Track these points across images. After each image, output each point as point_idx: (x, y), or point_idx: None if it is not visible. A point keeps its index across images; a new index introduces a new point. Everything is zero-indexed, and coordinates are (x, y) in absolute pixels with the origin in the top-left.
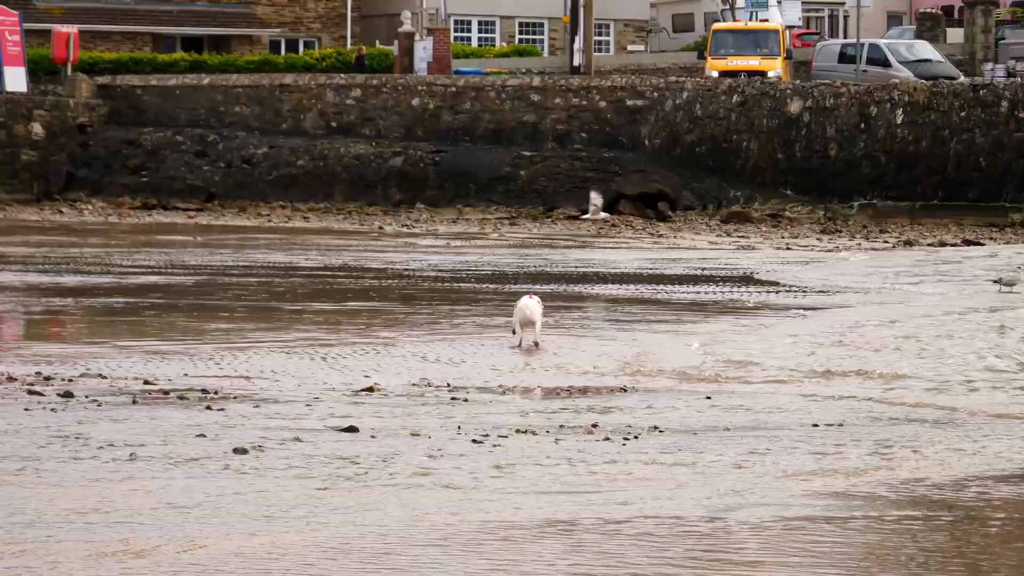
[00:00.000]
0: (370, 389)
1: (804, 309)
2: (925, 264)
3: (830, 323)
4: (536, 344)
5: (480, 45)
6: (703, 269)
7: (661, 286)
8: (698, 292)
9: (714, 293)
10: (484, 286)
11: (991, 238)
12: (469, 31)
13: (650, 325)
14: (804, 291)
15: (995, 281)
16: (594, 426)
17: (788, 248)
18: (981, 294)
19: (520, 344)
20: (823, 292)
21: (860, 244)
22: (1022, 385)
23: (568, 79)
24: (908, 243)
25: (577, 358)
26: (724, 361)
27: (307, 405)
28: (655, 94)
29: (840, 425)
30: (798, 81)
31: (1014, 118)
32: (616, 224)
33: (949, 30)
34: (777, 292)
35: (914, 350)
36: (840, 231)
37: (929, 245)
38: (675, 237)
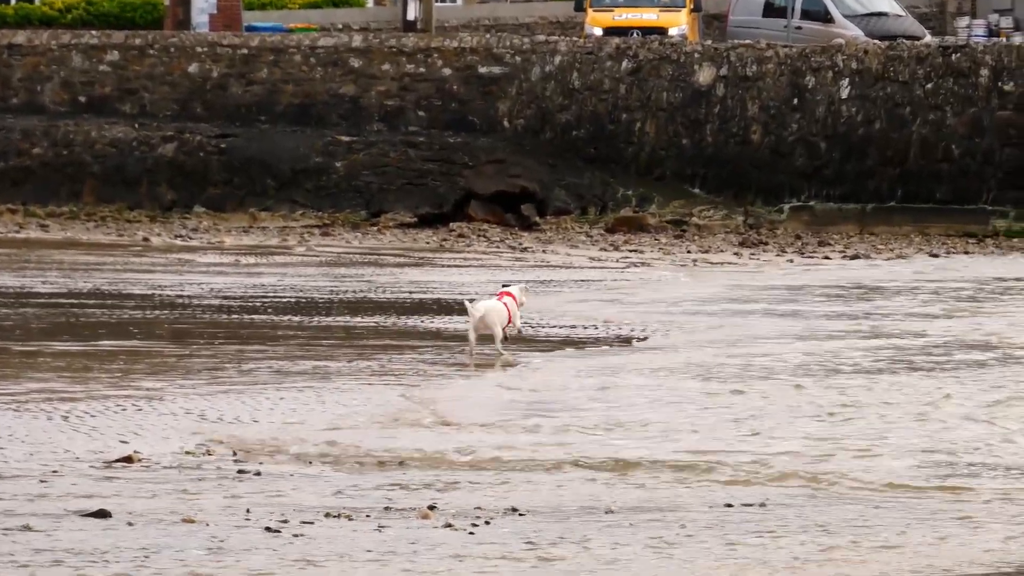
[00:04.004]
0: (128, 459)
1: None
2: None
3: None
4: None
5: None
6: (583, 299)
7: (530, 317)
8: (581, 327)
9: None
10: (285, 319)
11: (967, 252)
12: None
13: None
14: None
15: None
16: (431, 508)
17: (695, 264)
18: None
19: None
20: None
21: (792, 260)
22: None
23: (401, 39)
24: (855, 258)
25: (437, 410)
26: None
27: (42, 481)
28: (517, 59)
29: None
30: (709, 41)
31: (997, 91)
32: (465, 234)
33: None
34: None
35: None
36: (766, 243)
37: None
38: (544, 252)
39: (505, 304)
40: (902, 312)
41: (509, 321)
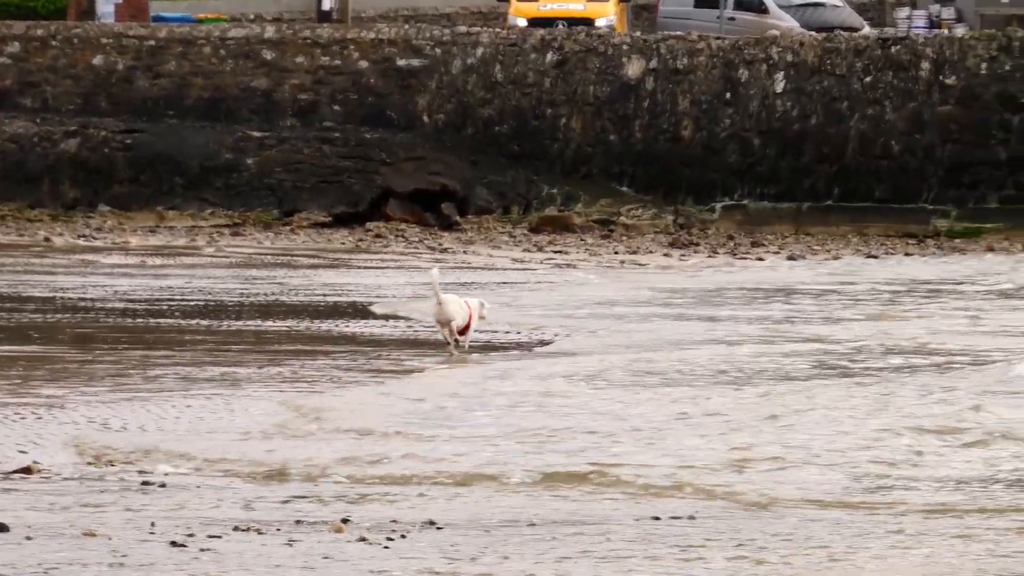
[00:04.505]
0: (27, 470)
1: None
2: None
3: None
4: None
5: None
6: (511, 301)
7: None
8: (488, 331)
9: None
10: (193, 323)
11: (907, 253)
12: None
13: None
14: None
15: None
16: (344, 521)
17: (623, 265)
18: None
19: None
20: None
21: (730, 263)
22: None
23: (315, 30)
24: (792, 259)
25: (339, 419)
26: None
27: None
28: (437, 51)
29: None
30: (639, 33)
31: (939, 85)
32: (382, 235)
33: None
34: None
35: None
36: (697, 243)
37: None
38: (465, 253)
39: (469, 307)
40: (820, 315)
41: (468, 327)
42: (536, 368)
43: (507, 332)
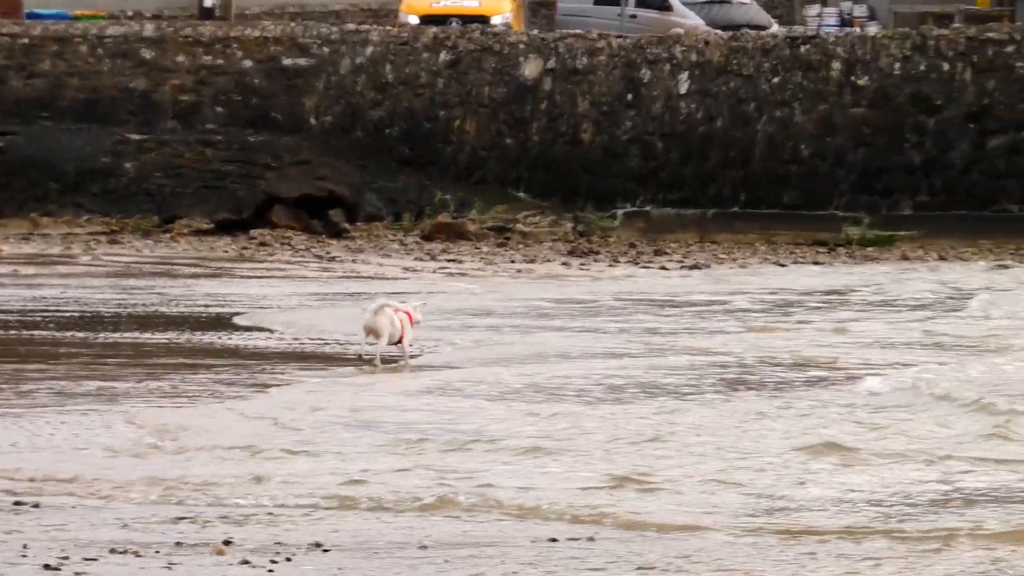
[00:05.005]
0: None
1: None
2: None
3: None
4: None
5: None
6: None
7: (328, 332)
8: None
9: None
10: (68, 335)
11: (816, 262)
12: None
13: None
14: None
15: None
16: (226, 543)
17: (519, 273)
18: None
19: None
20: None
21: (632, 272)
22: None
23: (197, 27)
24: (695, 268)
25: (218, 436)
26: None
27: None
28: (325, 49)
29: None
30: (536, 31)
31: (850, 86)
32: (267, 242)
33: None
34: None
35: None
36: (597, 252)
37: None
38: (354, 262)
39: (401, 320)
40: (700, 328)
41: (401, 338)
42: (404, 383)
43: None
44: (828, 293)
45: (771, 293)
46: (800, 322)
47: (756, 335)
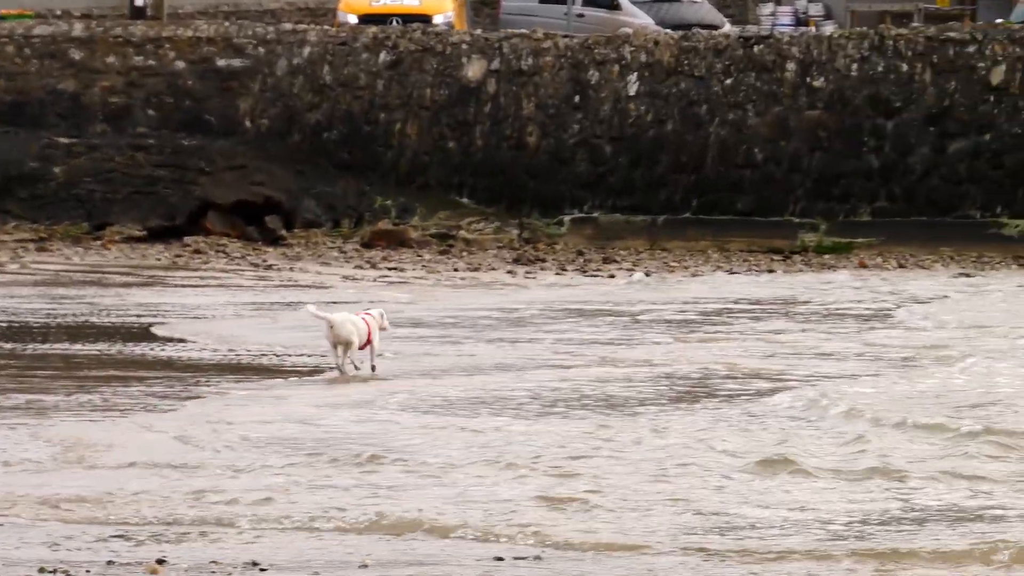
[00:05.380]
0: None
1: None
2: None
3: None
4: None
5: None
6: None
7: (270, 345)
8: (273, 355)
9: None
10: None
11: (771, 270)
12: None
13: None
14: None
15: None
16: (160, 562)
17: (462, 281)
18: None
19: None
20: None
21: (573, 279)
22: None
23: (128, 27)
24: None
25: (146, 451)
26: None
27: None
28: (261, 50)
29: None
30: (480, 31)
31: (806, 88)
32: (201, 250)
33: None
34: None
35: None
36: (543, 259)
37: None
38: (291, 270)
39: (366, 322)
40: (636, 339)
41: (368, 342)
42: (327, 396)
43: (302, 355)
44: (771, 303)
45: (713, 302)
46: (733, 332)
47: (687, 346)
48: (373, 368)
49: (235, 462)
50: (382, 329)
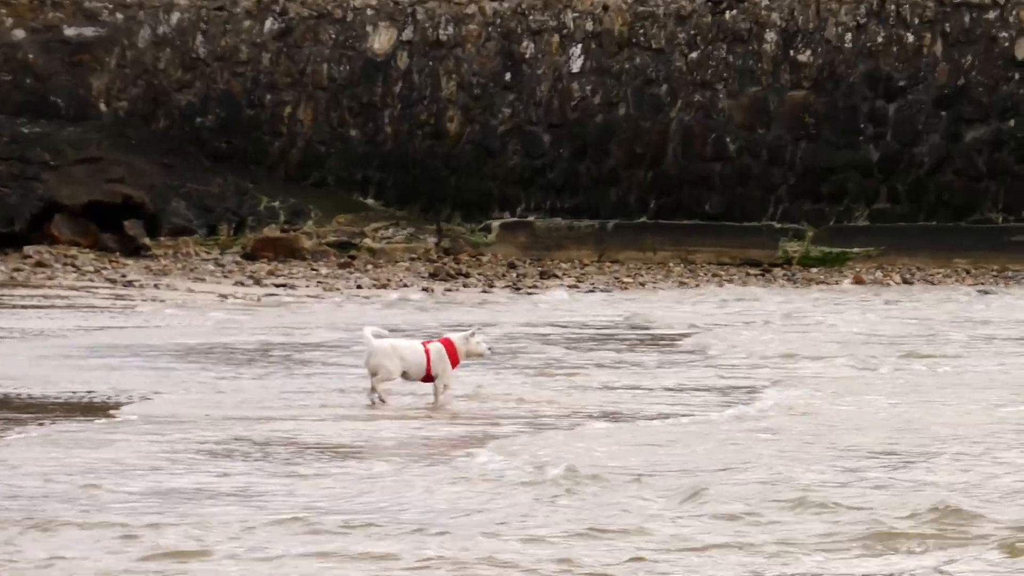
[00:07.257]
0: None
1: None
2: None
3: None
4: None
5: None
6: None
7: (112, 380)
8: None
9: None
10: None
11: (745, 285)
12: None
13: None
14: None
15: None
16: None
17: (368, 299)
18: None
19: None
20: None
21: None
22: None
23: None
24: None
25: None
26: None
27: None
28: (118, 16)
29: None
30: None
31: (789, 63)
32: (46, 262)
33: None
34: None
35: None
36: (467, 274)
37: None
38: (156, 287)
39: (427, 351)
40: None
41: (428, 373)
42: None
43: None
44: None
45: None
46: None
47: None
48: (438, 399)
49: None
50: (476, 356)
